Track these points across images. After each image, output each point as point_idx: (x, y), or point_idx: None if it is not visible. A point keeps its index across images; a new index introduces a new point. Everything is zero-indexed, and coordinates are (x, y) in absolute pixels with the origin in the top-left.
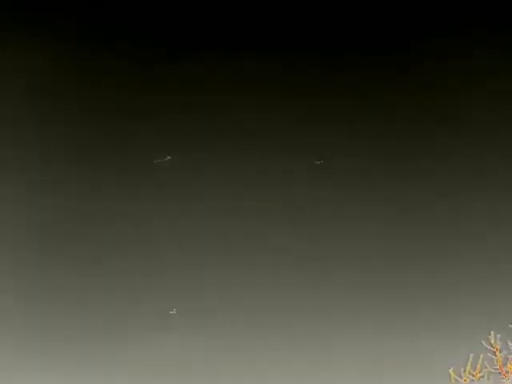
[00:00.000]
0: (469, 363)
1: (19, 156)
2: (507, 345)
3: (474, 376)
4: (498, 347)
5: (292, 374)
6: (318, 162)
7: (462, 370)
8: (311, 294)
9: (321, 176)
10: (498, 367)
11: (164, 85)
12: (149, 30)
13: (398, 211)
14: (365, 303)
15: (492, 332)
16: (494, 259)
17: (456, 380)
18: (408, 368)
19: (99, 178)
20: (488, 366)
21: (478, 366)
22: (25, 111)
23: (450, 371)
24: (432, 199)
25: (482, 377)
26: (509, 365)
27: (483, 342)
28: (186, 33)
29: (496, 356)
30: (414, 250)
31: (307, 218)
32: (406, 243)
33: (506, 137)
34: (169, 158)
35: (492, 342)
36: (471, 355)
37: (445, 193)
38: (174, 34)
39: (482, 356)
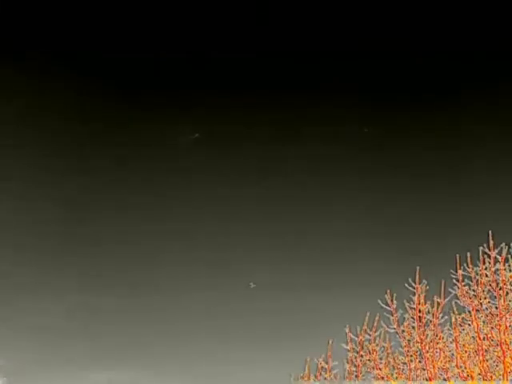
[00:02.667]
0: (365, 322)
1: None
2: (404, 304)
3: (370, 335)
4: (395, 306)
5: None
6: None
7: (358, 328)
8: None
9: None
10: (394, 327)
11: None
12: None
13: None
14: None
15: (388, 291)
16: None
17: (351, 338)
18: (305, 325)
19: None
20: (384, 325)
21: (374, 325)
22: None
23: (346, 330)
24: None
25: (378, 335)
26: (405, 324)
27: (380, 301)
28: None
29: (392, 316)
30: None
31: None
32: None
33: None
34: (196, 135)
35: (389, 301)
36: (368, 314)
37: None
38: None
39: (378, 315)
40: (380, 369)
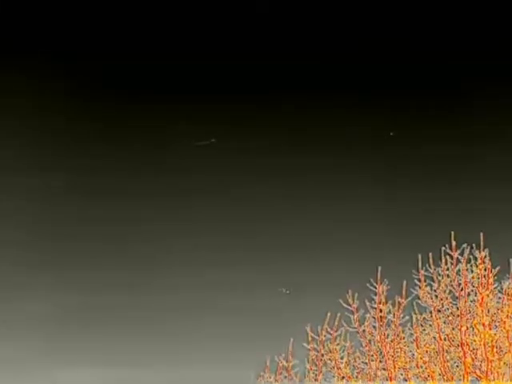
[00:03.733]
0: (326, 321)
1: None
2: (365, 304)
3: (331, 334)
4: (356, 306)
5: None
6: None
7: (319, 327)
8: None
9: None
10: (355, 326)
11: None
12: None
13: None
14: None
15: (350, 291)
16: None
17: (313, 338)
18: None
19: None
20: (345, 324)
21: (336, 325)
22: None
23: (307, 329)
24: None
25: (339, 335)
26: (366, 323)
27: (341, 300)
28: None
29: (353, 315)
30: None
31: None
32: None
33: None
34: (213, 140)
35: (350, 301)
36: (328, 313)
37: None
38: None
39: (339, 314)
40: (340, 368)
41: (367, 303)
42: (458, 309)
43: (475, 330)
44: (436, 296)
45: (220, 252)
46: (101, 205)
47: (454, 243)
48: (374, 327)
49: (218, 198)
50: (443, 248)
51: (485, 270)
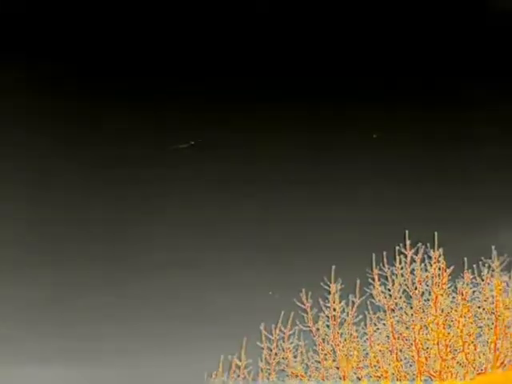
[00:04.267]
0: (280, 320)
1: None
2: (319, 303)
3: (284, 333)
4: (310, 305)
5: None
6: None
7: (273, 326)
8: None
9: None
10: (309, 325)
11: None
12: None
13: None
14: None
15: (303, 290)
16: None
17: (266, 336)
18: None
19: None
20: (299, 323)
21: (289, 324)
22: None
23: (261, 328)
24: None
25: (293, 334)
26: (320, 322)
27: (295, 299)
28: None
29: (307, 314)
30: None
31: None
32: None
33: None
34: (192, 143)
35: (304, 299)
36: (282, 312)
37: None
38: None
39: (293, 313)
40: (294, 367)
41: (321, 302)
42: (411, 308)
43: (429, 329)
44: (390, 295)
45: (173, 252)
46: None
47: (408, 242)
48: (328, 326)
49: None
50: (397, 247)
51: (439, 269)
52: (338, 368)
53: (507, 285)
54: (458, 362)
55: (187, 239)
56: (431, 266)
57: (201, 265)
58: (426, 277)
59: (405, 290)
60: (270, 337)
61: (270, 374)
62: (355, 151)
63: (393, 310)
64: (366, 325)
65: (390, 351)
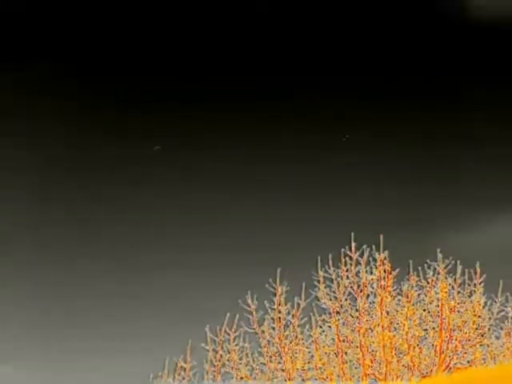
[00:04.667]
0: (225, 322)
1: None
2: (264, 305)
3: (229, 335)
4: (255, 307)
5: None
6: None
7: (219, 328)
8: None
9: None
10: (254, 327)
11: None
12: None
13: None
14: None
15: (249, 292)
16: None
17: (212, 338)
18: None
19: None
20: (244, 325)
21: (234, 325)
22: None
23: (206, 329)
24: None
25: (238, 336)
26: (265, 324)
27: (240, 301)
28: None
29: (252, 316)
30: None
31: None
32: None
33: None
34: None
35: (249, 301)
36: (227, 314)
37: None
38: None
39: (238, 315)
40: (239, 369)
41: (266, 304)
42: (357, 310)
43: (374, 331)
44: (335, 297)
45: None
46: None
47: (353, 244)
48: (273, 328)
49: None
50: (343, 249)
51: (384, 271)
52: (283, 370)
53: (452, 288)
54: (403, 365)
55: (135, 240)
56: (376, 268)
57: (148, 268)
58: (371, 279)
59: (350, 293)
60: (216, 339)
61: (215, 376)
62: (308, 150)
63: (338, 313)
64: (311, 327)
65: (336, 353)
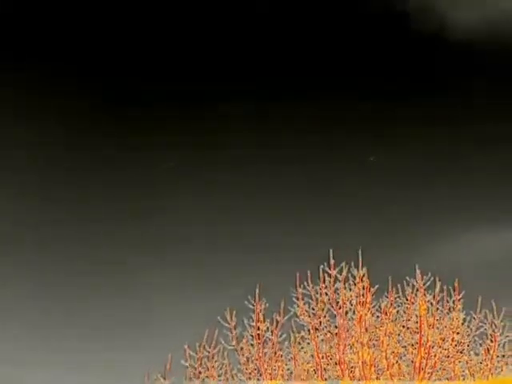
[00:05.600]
0: (204, 339)
1: None
2: (243, 322)
3: (209, 352)
4: (234, 324)
5: None
6: None
7: (197, 345)
8: None
9: None
10: (233, 344)
11: None
12: None
13: None
14: None
15: (228, 308)
16: None
17: (190, 355)
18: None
19: None
20: (223, 342)
21: (213, 342)
22: None
23: (185, 346)
24: None
25: (217, 352)
26: (244, 341)
27: (219, 318)
28: None
29: (232, 333)
30: None
31: None
32: None
33: None
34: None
35: (228, 318)
36: (207, 331)
37: None
38: None
39: (217, 332)
40: None
41: (245, 321)
42: (336, 327)
43: (353, 348)
44: (314, 314)
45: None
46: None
47: (332, 261)
48: (252, 345)
49: None
50: (321, 266)
51: (363, 288)
52: None
53: (431, 304)
54: (382, 382)
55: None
56: (355, 285)
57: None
58: (350, 296)
59: (329, 310)
60: (195, 355)
61: None
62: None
63: (317, 329)
64: (290, 344)
65: (315, 370)
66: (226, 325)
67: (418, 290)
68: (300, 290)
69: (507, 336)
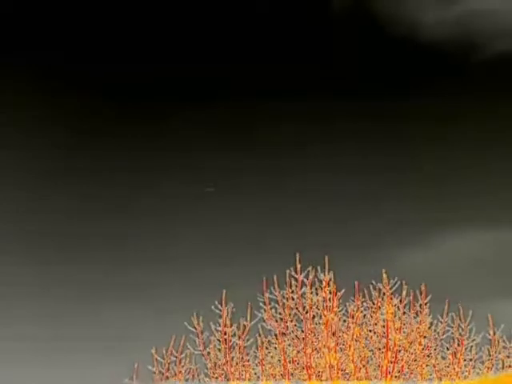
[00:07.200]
0: (171, 344)
1: None
2: (210, 327)
3: (176, 357)
4: (201, 329)
5: None
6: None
7: (164, 350)
8: None
9: None
10: (200, 349)
11: None
12: None
13: None
14: None
15: (195, 313)
16: None
17: (158, 360)
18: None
19: None
20: (190, 347)
21: (180, 347)
22: None
23: (153, 351)
24: None
25: (184, 357)
26: (211, 346)
27: (186, 323)
28: None
29: (199, 338)
30: None
31: None
32: None
33: None
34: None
35: (195, 323)
36: (173, 336)
37: None
38: None
39: (184, 337)
40: None
41: (212, 326)
42: (302, 331)
43: (320, 352)
44: (281, 319)
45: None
46: None
47: (299, 266)
48: (219, 350)
49: None
50: (288, 271)
51: (329, 292)
52: None
53: (398, 308)
54: None
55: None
56: (322, 289)
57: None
58: (317, 300)
59: (296, 314)
60: (162, 360)
61: None
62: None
63: (284, 334)
64: (257, 348)
65: (282, 375)
66: (193, 329)
67: (384, 294)
68: (266, 295)
69: (474, 340)
